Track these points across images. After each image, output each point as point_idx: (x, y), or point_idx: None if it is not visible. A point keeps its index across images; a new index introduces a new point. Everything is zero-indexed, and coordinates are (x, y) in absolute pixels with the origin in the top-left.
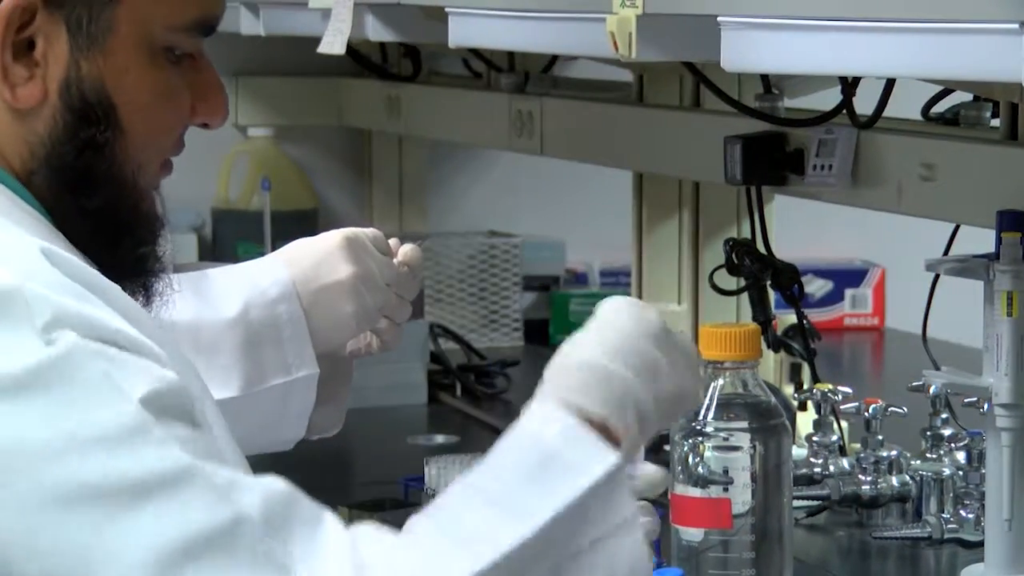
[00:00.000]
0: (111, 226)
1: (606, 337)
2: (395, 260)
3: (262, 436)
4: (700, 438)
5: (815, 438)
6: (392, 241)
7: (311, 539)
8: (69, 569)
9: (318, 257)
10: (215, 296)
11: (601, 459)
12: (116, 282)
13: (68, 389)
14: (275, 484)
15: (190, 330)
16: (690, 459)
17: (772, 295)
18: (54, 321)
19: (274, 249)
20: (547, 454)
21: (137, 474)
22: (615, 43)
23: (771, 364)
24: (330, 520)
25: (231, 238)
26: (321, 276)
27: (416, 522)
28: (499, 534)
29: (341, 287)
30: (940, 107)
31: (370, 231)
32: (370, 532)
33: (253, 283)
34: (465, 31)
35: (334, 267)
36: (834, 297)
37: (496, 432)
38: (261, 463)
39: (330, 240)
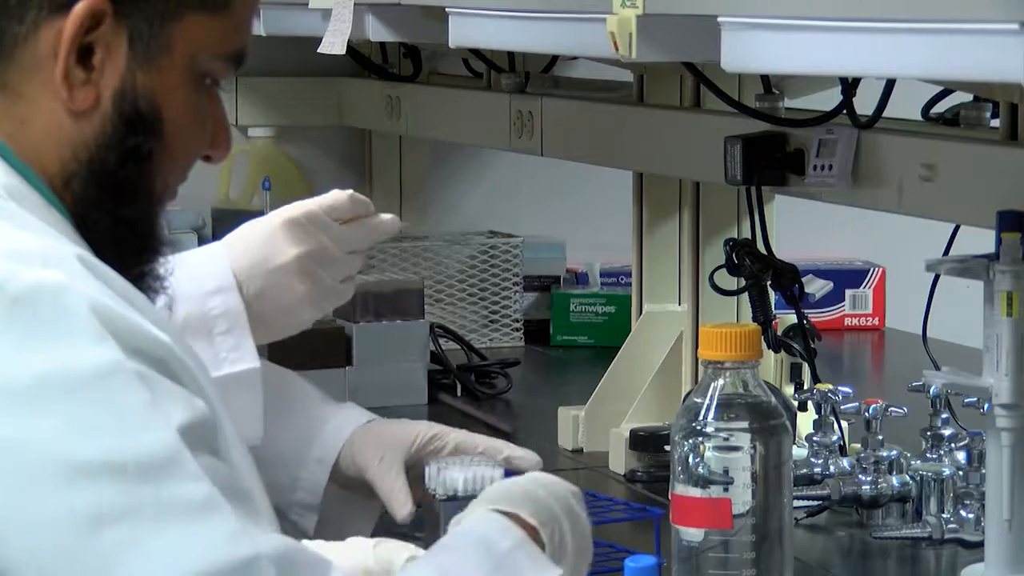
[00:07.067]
0: (137, 237)
1: (539, 480)
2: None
3: None
4: (700, 438)
5: (815, 438)
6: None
7: None
8: None
9: (261, 240)
10: None
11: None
12: None
13: (109, 408)
14: (284, 537)
15: None
16: (690, 459)
17: (772, 295)
18: (100, 326)
19: None
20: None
21: (167, 500)
22: (615, 43)
23: (771, 364)
24: (337, 571)
25: None
26: (268, 259)
27: None
28: None
29: (288, 269)
30: (940, 107)
31: (326, 200)
32: None
33: (190, 276)
34: (465, 31)
35: (279, 249)
36: (834, 297)
37: (496, 432)
38: None
39: (270, 223)
